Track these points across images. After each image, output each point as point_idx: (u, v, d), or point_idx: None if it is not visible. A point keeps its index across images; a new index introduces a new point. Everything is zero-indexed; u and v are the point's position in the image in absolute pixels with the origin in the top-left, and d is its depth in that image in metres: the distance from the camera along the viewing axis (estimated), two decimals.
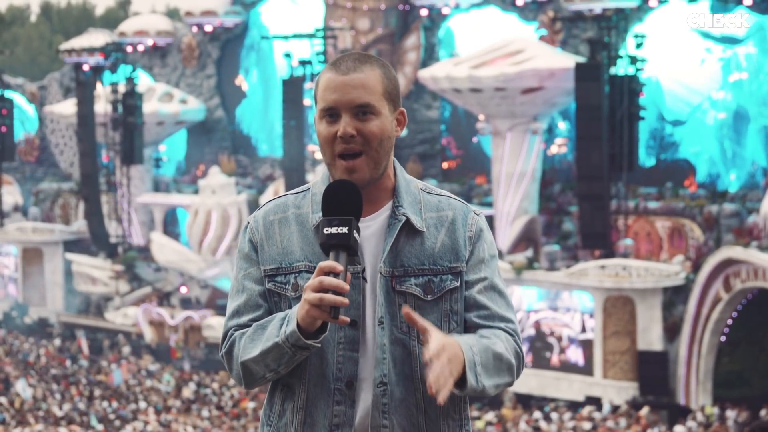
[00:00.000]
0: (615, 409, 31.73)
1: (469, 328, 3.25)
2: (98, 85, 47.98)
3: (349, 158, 3.16)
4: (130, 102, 45.94)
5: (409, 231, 3.22)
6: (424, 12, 43.38)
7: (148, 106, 46.85)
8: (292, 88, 42.05)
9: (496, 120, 37.93)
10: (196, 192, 46.73)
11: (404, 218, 3.21)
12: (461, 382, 3.05)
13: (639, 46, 35.34)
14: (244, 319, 3.23)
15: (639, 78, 35.31)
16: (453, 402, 3.23)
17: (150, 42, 50.13)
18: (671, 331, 33.02)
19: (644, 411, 30.57)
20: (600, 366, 33.48)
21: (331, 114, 3.16)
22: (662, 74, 38.29)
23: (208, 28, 48.95)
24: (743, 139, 37.91)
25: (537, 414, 31.12)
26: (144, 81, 48.90)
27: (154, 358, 41.61)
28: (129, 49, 49.25)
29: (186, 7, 49.91)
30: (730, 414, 30.09)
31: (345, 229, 3.03)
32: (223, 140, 49.36)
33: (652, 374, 32.58)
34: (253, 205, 43.75)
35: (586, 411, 31.11)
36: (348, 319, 3.05)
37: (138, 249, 47.93)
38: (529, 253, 36.88)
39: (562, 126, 41.24)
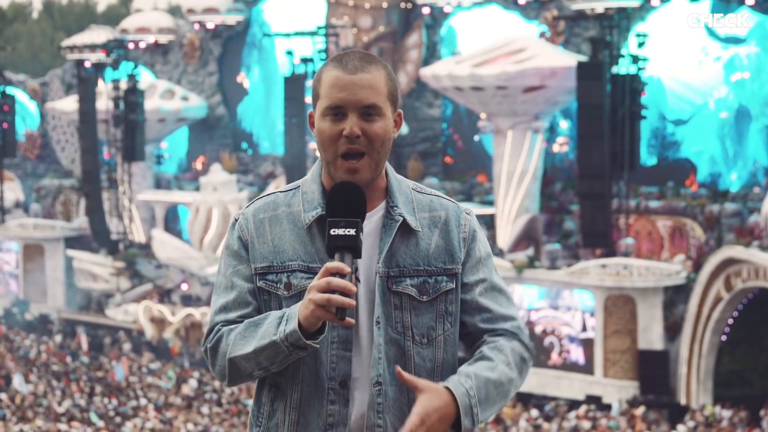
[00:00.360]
0: (608, 407, 31.72)
1: (473, 333, 3.28)
2: (100, 82, 47.96)
3: (352, 158, 3.14)
4: (131, 99, 45.95)
5: (404, 231, 3.22)
6: (426, 10, 43.37)
7: (150, 103, 46.86)
8: (294, 85, 42.06)
9: (498, 118, 37.93)
10: (197, 189, 46.73)
11: (401, 218, 3.21)
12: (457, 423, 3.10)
13: (641, 45, 35.34)
14: (232, 315, 3.20)
15: (641, 77, 35.30)
16: None
17: (152, 39, 50.13)
18: (672, 330, 33.01)
19: (640, 410, 30.57)
20: (601, 365, 33.48)
21: (336, 112, 3.14)
22: (664, 73, 38.29)
23: (210, 26, 48.96)
24: (745, 138, 37.91)
25: (534, 412, 31.14)
26: (146, 78, 48.92)
27: (155, 356, 41.60)
28: (131, 46, 49.25)
29: (188, 4, 49.92)
30: (725, 414, 30.07)
31: (353, 231, 3.03)
32: (224, 137, 49.37)
33: (653, 373, 32.58)
34: None
35: (582, 410, 31.12)
36: (353, 321, 3.04)
37: (139, 246, 47.95)
38: (530, 251, 36.89)
39: (564, 125, 41.23)
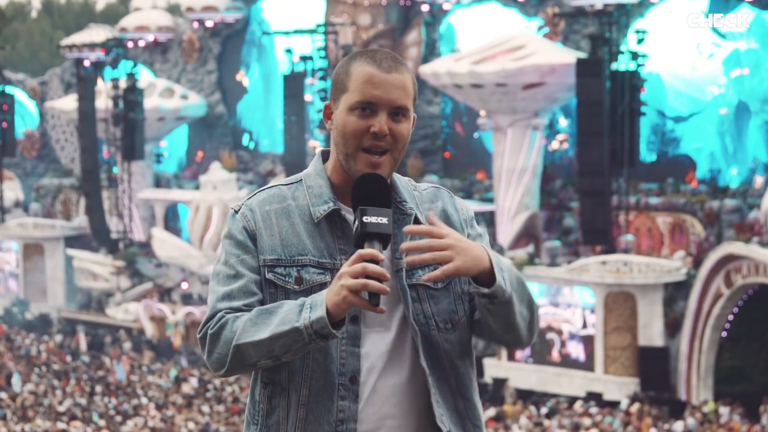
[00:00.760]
0: (616, 404, 31.72)
1: (476, 304, 3.25)
2: (99, 81, 47.96)
3: (375, 154, 3.16)
4: (131, 98, 45.95)
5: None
6: (425, 7, 43.38)
7: (149, 102, 46.85)
8: (293, 83, 42.06)
9: (497, 116, 37.93)
10: (197, 188, 46.73)
11: (413, 212, 3.23)
12: (483, 283, 3.05)
13: (640, 41, 35.32)
14: (237, 303, 3.15)
15: (640, 74, 35.29)
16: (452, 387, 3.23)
17: (151, 37, 50.13)
18: (672, 326, 33.01)
19: (635, 407, 30.56)
20: (601, 362, 33.47)
21: (364, 107, 3.14)
22: (663, 70, 38.28)
23: (209, 24, 48.95)
24: (744, 134, 37.91)
25: (533, 409, 31.14)
26: (145, 76, 48.90)
27: (156, 354, 41.61)
28: (130, 44, 49.25)
29: (187, 3, 49.89)
30: (723, 410, 30.05)
31: (385, 220, 3.04)
32: (224, 136, 49.37)
33: (653, 370, 32.57)
34: None
35: (578, 405, 31.12)
36: (384, 309, 3.01)
37: (139, 245, 47.94)
38: (530, 248, 36.89)
39: (563, 122, 41.22)
